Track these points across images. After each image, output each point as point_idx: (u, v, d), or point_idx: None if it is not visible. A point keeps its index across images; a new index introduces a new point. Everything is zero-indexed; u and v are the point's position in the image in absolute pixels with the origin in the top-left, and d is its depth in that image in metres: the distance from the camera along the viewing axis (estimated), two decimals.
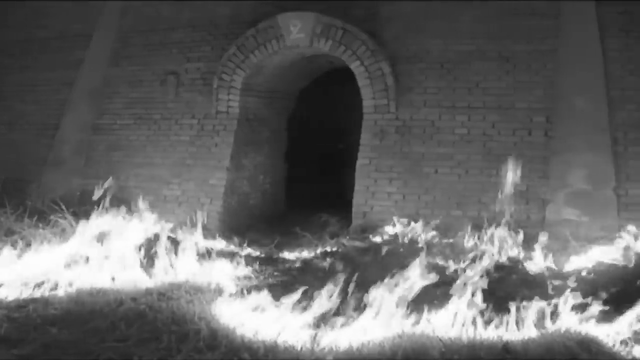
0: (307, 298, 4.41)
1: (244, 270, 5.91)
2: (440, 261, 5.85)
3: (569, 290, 4.50)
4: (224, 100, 7.62)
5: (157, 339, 3.74)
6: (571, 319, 4.07)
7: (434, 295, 4.47)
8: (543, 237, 6.21)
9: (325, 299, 4.37)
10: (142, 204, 6.78)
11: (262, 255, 6.60)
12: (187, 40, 8.01)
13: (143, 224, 6.60)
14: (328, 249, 6.60)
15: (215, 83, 7.64)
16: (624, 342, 3.81)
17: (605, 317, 4.10)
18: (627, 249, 5.94)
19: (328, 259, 6.16)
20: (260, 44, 7.44)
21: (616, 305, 4.23)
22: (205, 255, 5.94)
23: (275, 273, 6.02)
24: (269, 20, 7.40)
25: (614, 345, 3.74)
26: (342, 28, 7.15)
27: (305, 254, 6.59)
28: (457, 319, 4.09)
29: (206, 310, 4.28)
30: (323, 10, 7.26)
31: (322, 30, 7.21)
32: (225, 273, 5.68)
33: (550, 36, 6.83)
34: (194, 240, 6.68)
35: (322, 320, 4.15)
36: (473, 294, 4.33)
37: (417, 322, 4.07)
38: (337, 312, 4.32)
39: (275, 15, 7.37)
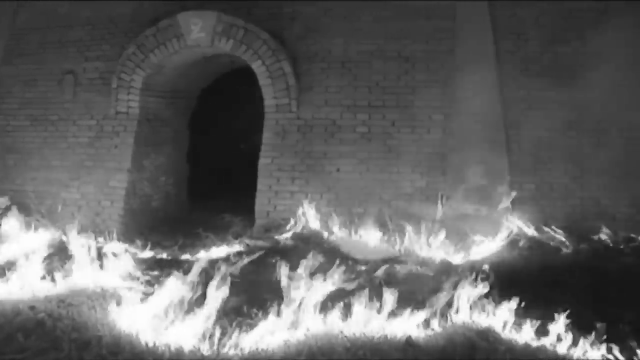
0: (213, 299, 4.28)
1: (147, 273, 5.71)
2: (344, 258, 5.82)
3: (467, 282, 4.60)
4: (123, 100, 7.39)
5: (57, 349, 3.55)
6: (470, 311, 4.15)
7: (339, 293, 4.44)
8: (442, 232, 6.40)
9: (231, 300, 4.28)
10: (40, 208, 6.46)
11: (166, 258, 6.40)
12: (85, 39, 7.72)
13: (41, 229, 6.31)
14: (232, 249, 6.47)
15: (114, 83, 7.40)
16: (516, 328, 3.94)
17: (500, 306, 4.19)
18: (516, 241, 6.17)
19: (232, 260, 6.05)
20: (161, 43, 7.28)
21: (509, 294, 4.33)
22: (107, 259, 5.72)
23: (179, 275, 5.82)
24: (170, 19, 7.26)
25: (509, 333, 3.86)
26: (243, 27, 7.10)
27: (209, 255, 6.44)
28: (361, 315, 4.07)
29: (108, 316, 4.09)
30: (225, 10, 7.18)
31: (224, 30, 7.14)
32: (127, 277, 5.46)
33: (448, 37, 7.04)
34: (95, 244, 6.43)
35: (228, 322, 4.04)
36: (376, 290, 4.35)
37: (322, 321, 4.02)
38: (243, 313, 4.24)
39: (176, 14, 7.24)
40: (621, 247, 6.12)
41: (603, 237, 6.37)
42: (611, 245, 6.19)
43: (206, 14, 7.16)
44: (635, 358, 3.66)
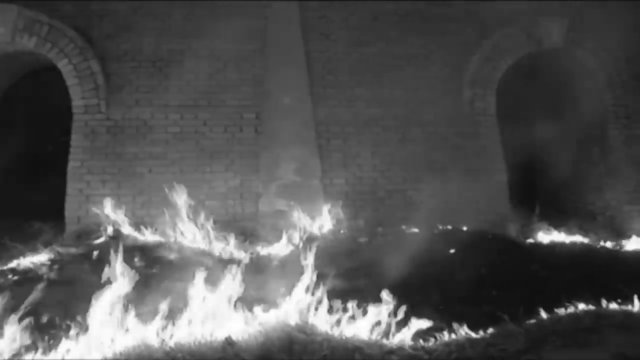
0: (20, 314, 4.07)
1: None
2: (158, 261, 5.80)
3: (280, 278, 4.73)
4: None
5: None
6: (288, 306, 4.24)
7: (161, 296, 4.39)
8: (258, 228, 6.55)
9: (41, 312, 4.10)
10: None
11: None
12: None
13: None
14: (42, 258, 6.22)
15: None
16: (332, 319, 4.10)
17: (316, 299, 4.32)
18: (315, 236, 6.44)
19: (42, 269, 5.82)
20: None
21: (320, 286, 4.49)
22: None
23: None
24: None
25: (330, 327, 4.00)
26: (48, 24, 6.78)
27: (17, 266, 6.15)
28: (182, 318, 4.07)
29: None
30: (28, 4, 6.81)
31: (26, 25, 6.77)
32: None
33: (259, 37, 7.20)
34: None
35: (39, 336, 3.87)
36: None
37: (143, 327, 3.97)
38: (54, 326, 4.08)
39: None
40: (425, 234, 6.57)
41: (409, 226, 6.80)
42: (418, 233, 6.61)
43: (5, 8, 6.73)
44: (438, 338, 3.94)
